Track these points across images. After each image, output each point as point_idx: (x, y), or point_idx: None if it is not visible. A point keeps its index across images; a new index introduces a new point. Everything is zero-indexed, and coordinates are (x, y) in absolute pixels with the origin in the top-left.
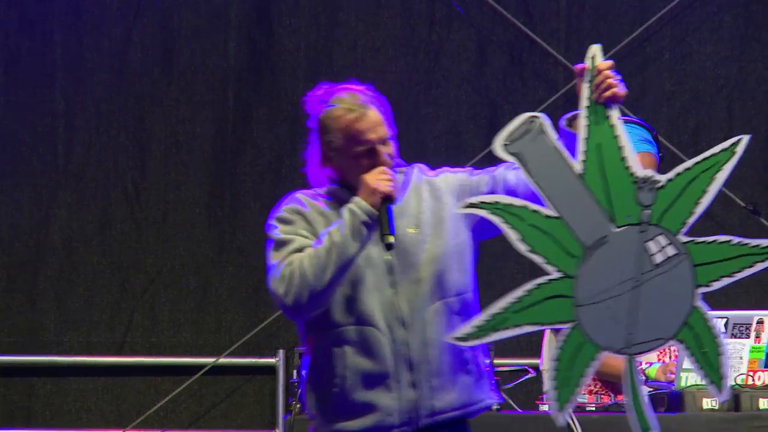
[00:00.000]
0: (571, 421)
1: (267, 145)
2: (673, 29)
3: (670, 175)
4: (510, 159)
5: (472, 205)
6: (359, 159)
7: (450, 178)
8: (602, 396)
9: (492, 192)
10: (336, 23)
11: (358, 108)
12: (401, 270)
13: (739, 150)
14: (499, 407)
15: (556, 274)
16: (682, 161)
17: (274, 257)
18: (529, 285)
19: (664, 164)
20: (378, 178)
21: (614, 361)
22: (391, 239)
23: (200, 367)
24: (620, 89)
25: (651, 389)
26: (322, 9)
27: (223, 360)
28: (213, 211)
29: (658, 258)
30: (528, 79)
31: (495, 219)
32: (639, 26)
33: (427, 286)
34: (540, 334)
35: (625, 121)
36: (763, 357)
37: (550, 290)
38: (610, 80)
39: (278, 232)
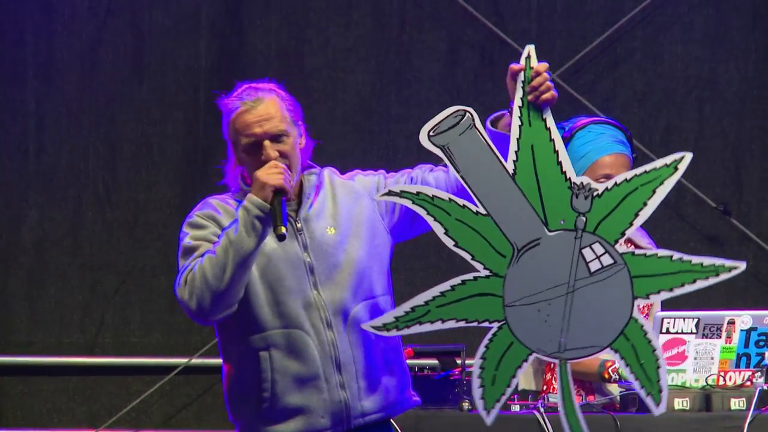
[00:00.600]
0: (542, 421)
1: None
2: (644, 29)
3: (608, 184)
4: (435, 150)
5: (392, 193)
6: (248, 153)
7: (365, 180)
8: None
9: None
10: (307, 23)
11: (248, 103)
12: (322, 271)
13: (682, 167)
14: (470, 407)
15: (483, 272)
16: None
17: (181, 265)
18: (455, 280)
19: (636, 165)
20: (267, 172)
21: (586, 359)
22: (283, 230)
23: (172, 367)
24: (555, 93)
25: (622, 389)
26: (292, 9)
27: (194, 360)
28: (184, 211)
29: (594, 266)
30: (499, 80)
31: (418, 209)
32: (610, 26)
33: (349, 287)
34: None
35: (599, 122)
36: (734, 357)
37: (478, 287)
38: (548, 82)
39: (188, 239)
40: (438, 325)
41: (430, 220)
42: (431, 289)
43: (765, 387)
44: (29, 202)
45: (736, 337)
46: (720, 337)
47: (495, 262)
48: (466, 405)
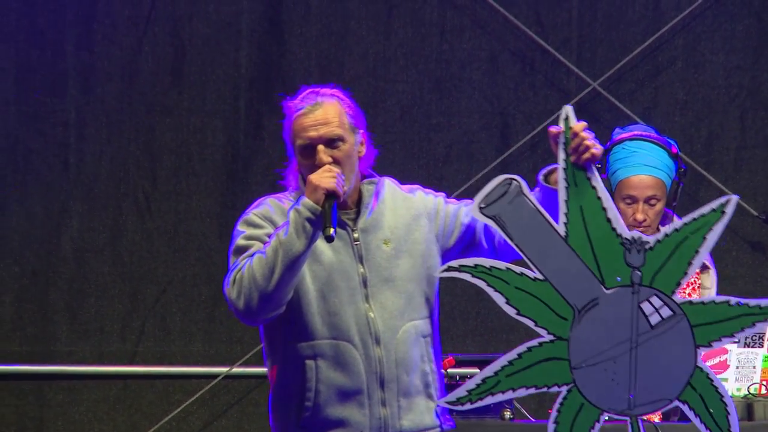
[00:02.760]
0: None
1: (278, 155)
2: (686, 38)
3: (659, 236)
4: (488, 222)
5: (451, 268)
6: (303, 156)
7: (425, 198)
8: None
9: (467, 229)
10: (347, 32)
11: (308, 105)
12: (375, 284)
13: (729, 210)
14: (512, 416)
15: (547, 337)
16: (695, 171)
17: (231, 263)
18: (520, 348)
19: (682, 178)
20: (321, 176)
21: None
22: (331, 231)
23: (212, 376)
24: (597, 149)
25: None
26: (333, 18)
27: (235, 369)
28: (224, 221)
29: (654, 319)
30: (540, 88)
31: (478, 282)
32: (651, 35)
33: (400, 304)
34: None
35: (639, 138)
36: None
37: (544, 353)
38: (586, 142)
39: (241, 237)
40: (510, 395)
41: (490, 291)
42: (499, 359)
43: None
44: (69, 212)
45: None
46: (762, 346)
47: (558, 326)
48: (507, 414)
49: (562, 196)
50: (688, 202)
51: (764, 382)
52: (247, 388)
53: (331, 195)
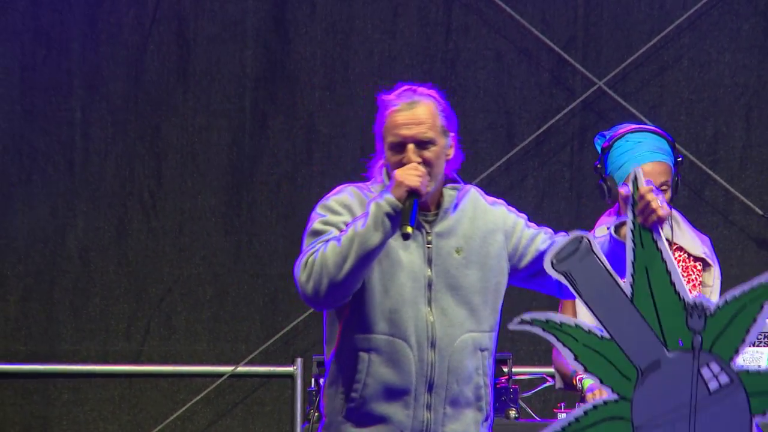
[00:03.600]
0: None
1: (283, 154)
2: (691, 37)
3: (719, 302)
4: (559, 278)
5: (524, 321)
6: (392, 151)
7: (508, 216)
8: None
9: (540, 256)
10: (352, 31)
11: (405, 102)
12: (439, 289)
13: None
14: (518, 415)
15: (611, 396)
16: (700, 170)
17: (306, 243)
18: (587, 406)
19: (682, 171)
20: (407, 172)
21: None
22: (409, 230)
23: (217, 375)
24: (664, 211)
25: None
26: (338, 17)
27: (240, 369)
28: (229, 219)
29: (713, 385)
30: (545, 87)
31: (548, 337)
32: (657, 34)
33: (462, 313)
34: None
35: (639, 130)
36: None
37: (608, 412)
38: (652, 204)
39: (319, 221)
40: None
41: (559, 345)
42: (566, 416)
43: None
44: (75, 210)
45: None
46: (767, 345)
47: (622, 385)
48: (512, 413)
49: (629, 256)
50: (693, 200)
51: None
52: (252, 387)
53: (413, 193)
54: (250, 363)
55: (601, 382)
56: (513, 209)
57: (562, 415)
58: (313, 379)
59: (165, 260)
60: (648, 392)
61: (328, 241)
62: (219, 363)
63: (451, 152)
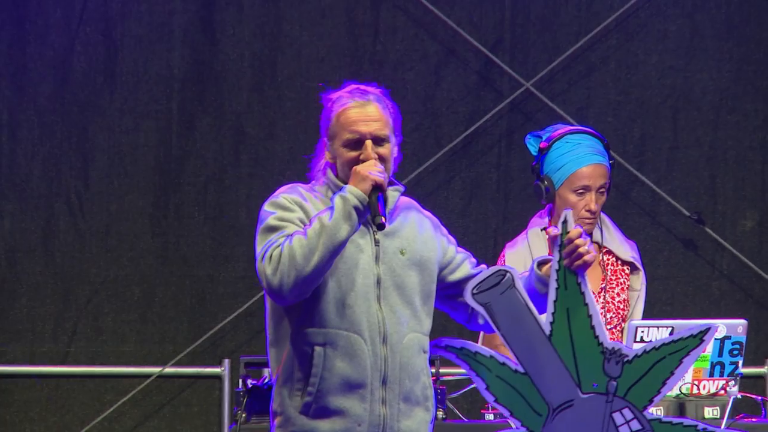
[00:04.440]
0: None
1: (211, 155)
2: (618, 38)
3: (638, 351)
4: (478, 308)
5: (438, 347)
6: (348, 148)
7: (442, 233)
8: None
9: (462, 281)
10: (280, 33)
11: (359, 100)
12: (387, 287)
13: (708, 338)
14: (445, 416)
15: (520, 429)
16: (628, 171)
17: (262, 240)
18: None
19: (612, 173)
20: (369, 167)
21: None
22: (383, 219)
23: (145, 376)
24: (590, 257)
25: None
26: (266, 19)
27: (167, 369)
28: (156, 221)
29: (623, 430)
30: (473, 89)
31: (461, 364)
32: (584, 35)
33: (407, 313)
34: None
35: (577, 131)
36: (708, 366)
37: None
38: (581, 249)
39: (272, 218)
40: None
41: (472, 375)
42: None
43: (739, 396)
44: (1, 212)
45: (709, 346)
46: None
47: (532, 420)
48: (440, 414)
49: (551, 295)
50: (620, 201)
51: (696, 382)
52: (179, 388)
53: (377, 187)
54: (178, 364)
55: (511, 414)
56: (445, 228)
57: (489, 416)
58: (240, 380)
59: (92, 261)
60: (557, 430)
61: (290, 235)
62: (146, 364)
63: (395, 152)
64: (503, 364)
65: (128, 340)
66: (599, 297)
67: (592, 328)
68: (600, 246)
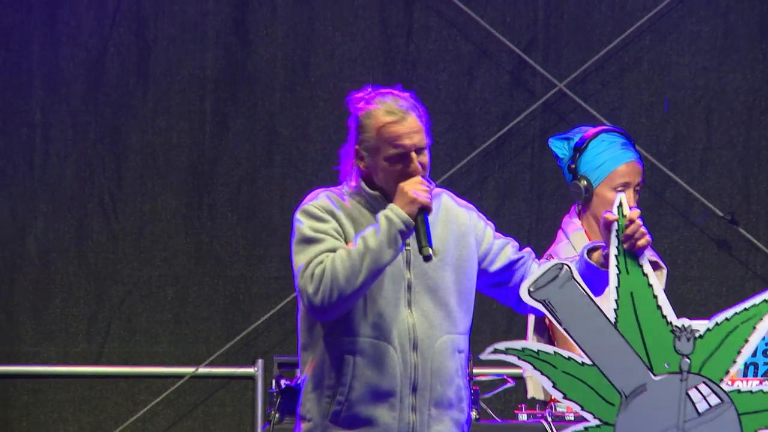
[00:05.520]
0: (549, 430)
1: (244, 156)
2: (651, 39)
3: (709, 324)
4: (537, 306)
5: (497, 351)
6: (392, 162)
7: (478, 221)
8: None
9: (509, 265)
10: (313, 33)
11: (399, 112)
12: (419, 291)
13: None
14: (478, 417)
15: (593, 422)
16: (661, 171)
17: (302, 253)
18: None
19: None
20: (416, 188)
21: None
22: (430, 251)
23: (178, 377)
24: (649, 237)
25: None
26: (298, 19)
27: (201, 370)
28: (190, 221)
29: (701, 407)
30: (506, 89)
31: (525, 365)
32: (617, 36)
33: (440, 315)
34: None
35: (609, 130)
36: (742, 367)
37: None
38: (642, 229)
39: (307, 228)
40: None
41: (536, 374)
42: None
43: None
44: (35, 212)
45: None
46: None
47: (604, 411)
48: (474, 414)
49: (612, 281)
50: (654, 202)
51: (729, 383)
52: (212, 389)
53: (424, 209)
54: (211, 364)
55: (582, 408)
56: (482, 216)
57: (522, 416)
58: (273, 381)
59: (125, 262)
60: (633, 416)
61: (331, 250)
62: (180, 364)
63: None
64: (569, 359)
65: (162, 341)
66: None
67: (659, 308)
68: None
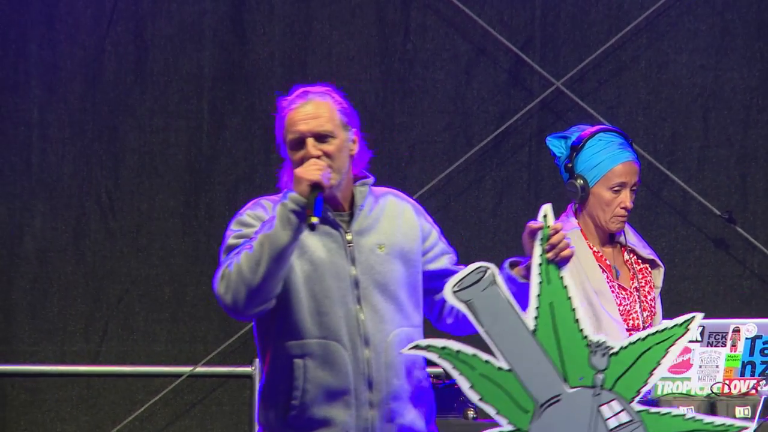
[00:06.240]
0: None
1: (241, 155)
2: (649, 37)
3: (624, 343)
4: (459, 306)
5: (419, 347)
6: (292, 150)
7: (425, 222)
8: None
9: (441, 274)
10: (310, 32)
11: (298, 101)
12: (367, 286)
13: (693, 327)
14: (476, 415)
15: (507, 426)
16: (658, 170)
17: (222, 260)
18: None
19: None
20: (306, 168)
21: None
22: (315, 220)
23: (175, 376)
24: (572, 248)
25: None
26: (296, 18)
27: (198, 369)
28: (187, 220)
29: (612, 423)
30: (503, 88)
31: (444, 364)
32: (614, 34)
33: (391, 309)
34: None
35: (606, 130)
36: (739, 365)
37: None
38: (566, 240)
39: (232, 237)
40: None
41: (455, 374)
42: None
43: None
44: (32, 211)
45: (741, 345)
46: (725, 345)
47: (518, 417)
48: (470, 413)
49: (533, 291)
50: (651, 200)
51: (727, 381)
52: (210, 387)
53: (315, 186)
54: (209, 363)
55: (497, 412)
56: (430, 217)
57: None
58: None
59: (123, 261)
60: (545, 426)
61: (239, 251)
62: (177, 363)
63: (355, 147)
64: (487, 362)
65: (159, 340)
66: (632, 296)
67: (577, 321)
68: (623, 246)
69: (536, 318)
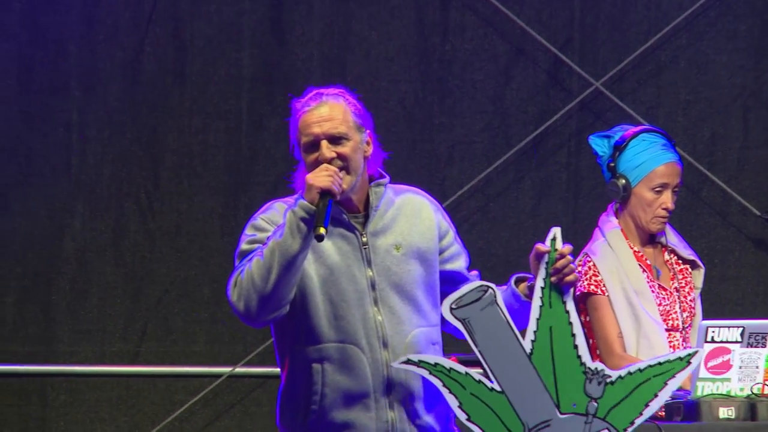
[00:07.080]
0: None
1: (280, 155)
2: (688, 38)
3: (622, 372)
4: (456, 324)
5: (410, 362)
6: (306, 152)
7: (442, 220)
8: None
9: (451, 275)
10: (349, 32)
11: (311, 103)
12: (383, 288)
13: (694, 361)
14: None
15: None
16: (698, 171)
17: (236, 265)
18: None
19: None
20: (316, 174)
21: None
22: (322, 231)
23: (215, 376)
24: (576, 275)
25: (667, 398)
26: (334, 18)
27: (238, 369)
28: (226, 221)
29: None
30: (542, 88)
31: (434, 380)
32: (654, 35)
33: (409, 310)
34: None
35: (649, 130)
36: None
37: None
38: (572, 265)
39: (246, 242)
40: None
41: (445, 391)
42: None
43: None
44: (72, 212)
45: None
46: (765, 346)
47: None
48: None
49: (534, 313)
50: (691, 201)
51: (767, 382)
52: (249, 388)
53: (326, 193)
54: (248, 364)
55: None
56: (448, 217)
57: None
58: None
59: (162, 261)
60: None
61: (251, 258)
62: (216, 364)
63: (369, 149)
64: (479, 382)
65: (198, 340)
66: (672, 296)
67: (576, 347)
68: (664, 246)
69: (533, 341)
